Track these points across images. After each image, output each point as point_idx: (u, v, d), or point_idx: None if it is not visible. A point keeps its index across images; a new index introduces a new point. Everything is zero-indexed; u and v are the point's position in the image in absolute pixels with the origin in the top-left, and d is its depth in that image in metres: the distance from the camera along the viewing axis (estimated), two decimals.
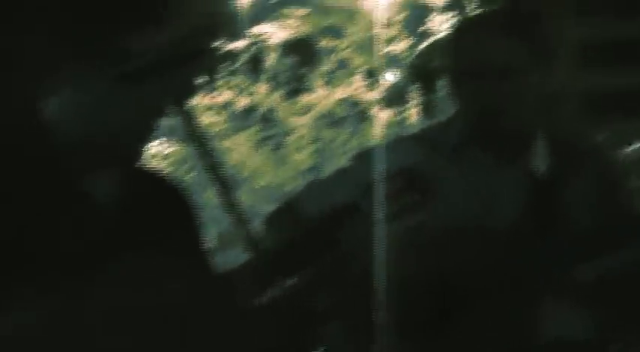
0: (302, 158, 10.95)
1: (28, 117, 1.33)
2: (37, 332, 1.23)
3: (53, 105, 1.35)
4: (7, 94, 1.39)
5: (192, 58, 1.45)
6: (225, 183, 1.41)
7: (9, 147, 1.32)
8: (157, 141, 10.46)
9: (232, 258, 1.58)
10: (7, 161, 1.31)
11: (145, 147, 1.42)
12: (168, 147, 10.00)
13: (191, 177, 10.07)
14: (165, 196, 1.50)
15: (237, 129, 10.91)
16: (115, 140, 1.40)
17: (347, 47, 11.19)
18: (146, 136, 1.43)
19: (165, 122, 1.50)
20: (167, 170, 9.81)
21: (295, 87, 10.99)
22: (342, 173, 1.97)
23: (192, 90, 1.52)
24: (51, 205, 1.33)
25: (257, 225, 1.91)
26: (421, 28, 10.72)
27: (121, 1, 1.38)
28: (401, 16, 10.91)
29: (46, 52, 1.37)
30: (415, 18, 10.37)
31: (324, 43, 11.32)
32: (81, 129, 1.37)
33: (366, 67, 11.07)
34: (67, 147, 1.36)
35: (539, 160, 1.91)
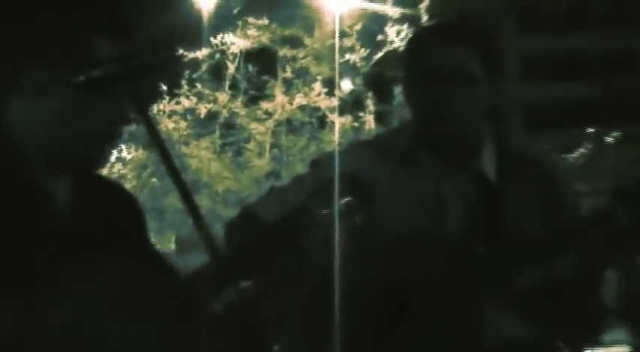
0: (261, 164, 10.93)
1: None
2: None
3: (15, 110, 1.35)
4: None
5: (156, 66, 1.45)
6: (186, 188, 1.41)
7: None
8: (119, 147, 10.37)
9: (193, 260, 1.57)
10: None
11: (109, 152, 1.41)
12: (130, 152, 9.94)
13: (152, 182, 10.03)
14: (119, 202, 1.50)
15: (198, 136, 10.86)
16: (78, 145, 1.39)
17: (306, 56, 11.20)
18: (109, 142, 1.43)
19: (127, 128, 1.49)
20: (129, 175, 9.75)
21: (256, 94, 10.98)
22: (300, 179, 1.97)
23: (155, 97, 1.53)
24: (11, 206, 1.32)
25: (217, 229, 1.91)
26: (377, 39, 10.79)
27: (86, 10, 1.38)
28: (358, 27, 10.97)
29: (11, 58, 1.36)
30: (371, 29, 10.43)
31: (284, 52, 11.33)
32: (44, 134, 1.37)
33: (324, 76, 11.10)
34: (31, 152, 1.35)
35: (488, 167, 1.92)
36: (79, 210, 1.36)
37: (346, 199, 1.42)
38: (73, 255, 1.27)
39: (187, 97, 10.14)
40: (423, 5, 9.64)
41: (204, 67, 10.20)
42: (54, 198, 1.33)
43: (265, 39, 10.29)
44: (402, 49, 9.62)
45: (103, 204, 1.40)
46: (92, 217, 1.36)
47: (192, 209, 1.33)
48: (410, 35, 2.28)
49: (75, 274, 1.27)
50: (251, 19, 10.24)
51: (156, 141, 1.37)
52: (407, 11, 9.70)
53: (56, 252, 1.28)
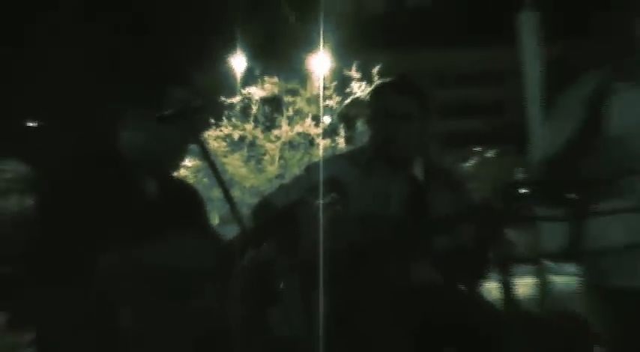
0: (272, 169, 10.94)
1: (110, 145, 1.35)
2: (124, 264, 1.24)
3: (125, 136, 1.38)
4: (96, 130, 1.42)
5: (206, 107, 1.46)
6: (225, 185, 1.41)
7: (97, 163, 1.34)
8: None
9: (229, 231, 1.55)
10: (95, 171, 1.33)
11: (179, 162, 1.44)
12: (190, 161, 9.90)
13: (204, 180, 10.00)
14: (187, 194, 1.51)
15: (233, 151, 10.87)
16: (160, 158, 1.41)
17: (301, 101, 11.23)
18: (179, 156, 1.45)
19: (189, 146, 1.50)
20: (189, 176, 9.73)
21: (269, 125, 10.99)
22: (298, 179, 1.96)
23: (206, 127, 1.54)
24: (121, 196, 1.34)
25: (244, 211, 1.89)
26: (346, 91, 10.82)
27: (164, 69, 1.40)
28: (334, 83, 11.00)
29: (120, 103, 1.39)
30: (342, 84, 10.45)
31: (287, 98, 11.35)
32: (139, 151, 1.39)
33: (313, 114, 11.13)
34: (133, 162, 1.38)
35: (418, 172, 1.92)
36: (163, 197, 1.38)
37: (331, 195, 1.41)
38: (160, 225, 1.29)
39: (226, 127, 10.16)
40: (375, 70, 9.76)
41: (237, 108, 10.24)
42: (148, 190, 1.36)
43: (275, 90, 10.34)
44: (362, 97, 9.68)
45: (178, 194, 1.43)
46: (172, 202, 1.39)
47: (229, 198, 1.32)
48: (371, 88, 2.28)
49: (161, 237, 1.29)
50: (266, 78, 10.32)
51: (206, 154, 1.37)
52: (365, 73, 9.81)
53: (147, 224, 1.29)
